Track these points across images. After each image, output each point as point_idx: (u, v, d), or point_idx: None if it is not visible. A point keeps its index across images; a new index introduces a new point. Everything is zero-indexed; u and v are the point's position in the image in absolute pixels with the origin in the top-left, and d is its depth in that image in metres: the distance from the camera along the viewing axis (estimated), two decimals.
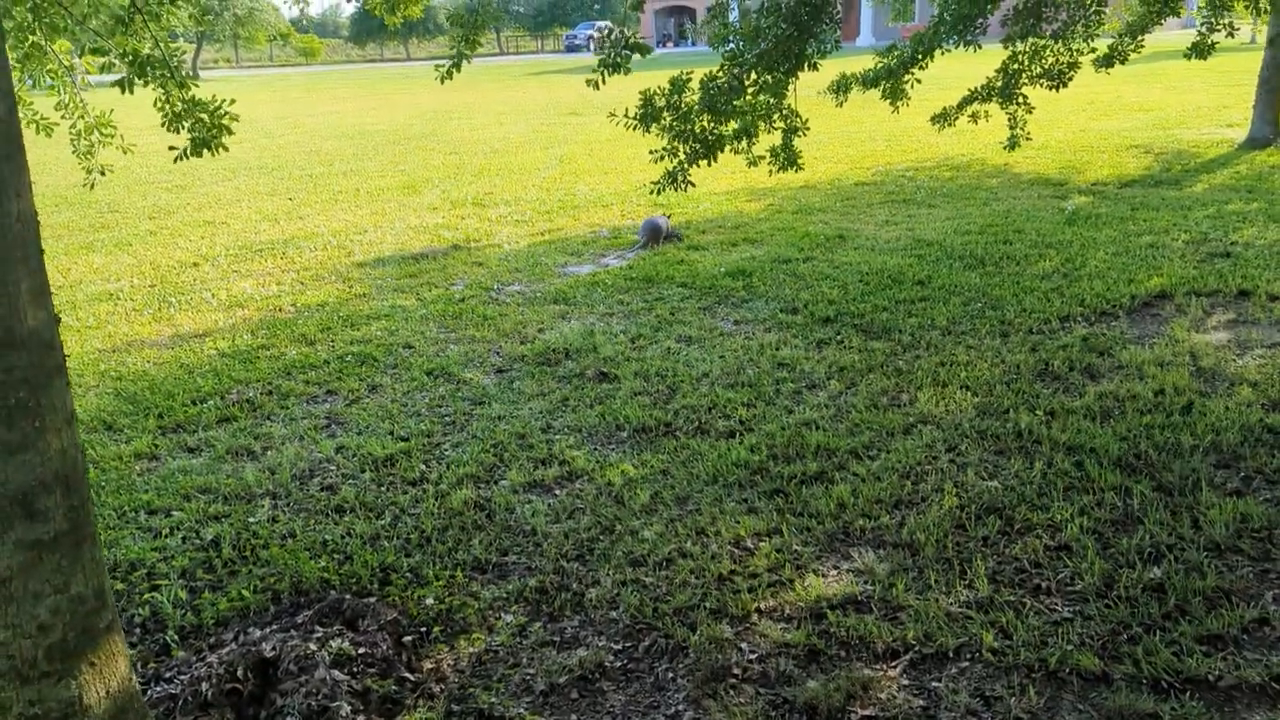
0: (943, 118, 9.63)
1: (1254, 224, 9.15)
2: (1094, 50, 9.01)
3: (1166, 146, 14.28)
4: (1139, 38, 8.77)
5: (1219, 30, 8.75)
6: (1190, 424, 4.92)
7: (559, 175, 14.61)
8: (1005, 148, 9.50)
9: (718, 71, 7.37)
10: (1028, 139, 9.52)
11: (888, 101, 8.76)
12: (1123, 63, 9.21)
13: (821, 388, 5.70)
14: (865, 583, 3.76)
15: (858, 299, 7.35)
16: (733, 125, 7.91)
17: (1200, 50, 8.87)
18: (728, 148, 7.88)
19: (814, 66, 7.55)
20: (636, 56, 6.51)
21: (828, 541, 4.06)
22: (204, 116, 5.56)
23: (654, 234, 9.69)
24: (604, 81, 6.26)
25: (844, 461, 4.73)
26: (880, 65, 8.61)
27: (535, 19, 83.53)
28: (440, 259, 9.36)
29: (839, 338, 6.54)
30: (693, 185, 7.83)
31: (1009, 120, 9.28)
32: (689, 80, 7.52)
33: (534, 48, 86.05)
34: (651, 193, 7.45)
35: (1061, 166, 13.06)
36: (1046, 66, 8.92)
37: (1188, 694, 3.09)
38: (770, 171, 8.03)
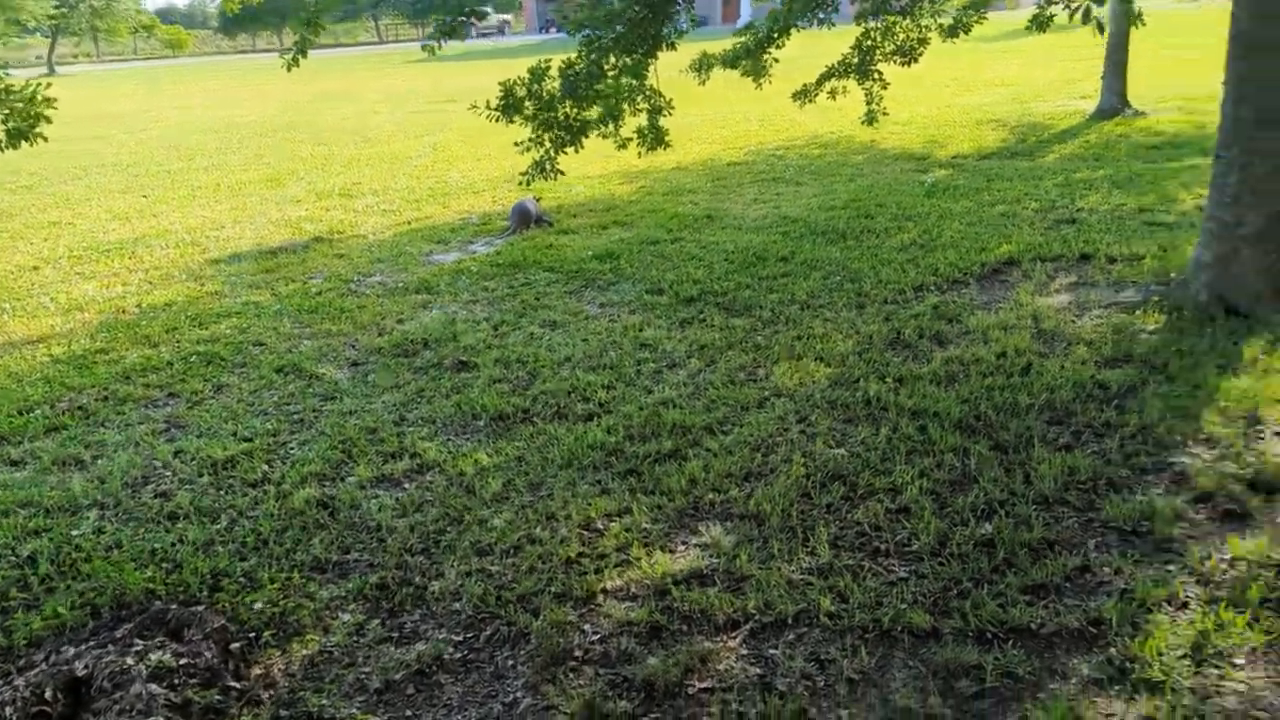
0: (803, 94, 9.78)
1: (1099, 190, 9.56)
2: (941, 26, 9.28)
3: (1022, 120, 14.83)
4: (982, 10, 9.05)
5: (1056, 4, 9.10)
6: (1028, 384, 5.10)
7: (431, 163, 14.33)
8: (864, 123, 9.72)
9: (575, 58, 7.32)
10: (885, 114, 9.76)
11: (751, 79, 8.87)
12: (966, 33, 9.47)
13: (682, 366, 5.71)
14: (711, 556, 3.77)
15: (722, 278, 7.39)
16: (597, 110, 7.90)
17: (1040, 23, 9.21)
18: (594, 132, 7.85)
19: (671, 46, 7.57)
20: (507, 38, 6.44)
21: (677, 518, 4.06)
22: (17, 106, 5.22)
23: (523, 218, 9.59)
24: (440, 47, 6.20)
25: (698, 438, 4.75)
26: (738, 45, 8.70)
27: (415, 6, 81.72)
28: (300, 252, 9.06)
29: (701, 316, 6.57)
30: (562, 174, 7.76)
31: (866, 96, 9.49)
32: (548, 68, 7.45)
33: (414, 35, 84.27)
34: (521, 184, 7.37)
35: (925, 141, 13.43)
36: (899, 43, 9.14)
37: (1010, 643, 3.19)
38: (639, 153, 8.03)
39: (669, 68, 7.89)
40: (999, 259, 7.43)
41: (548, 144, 7.30)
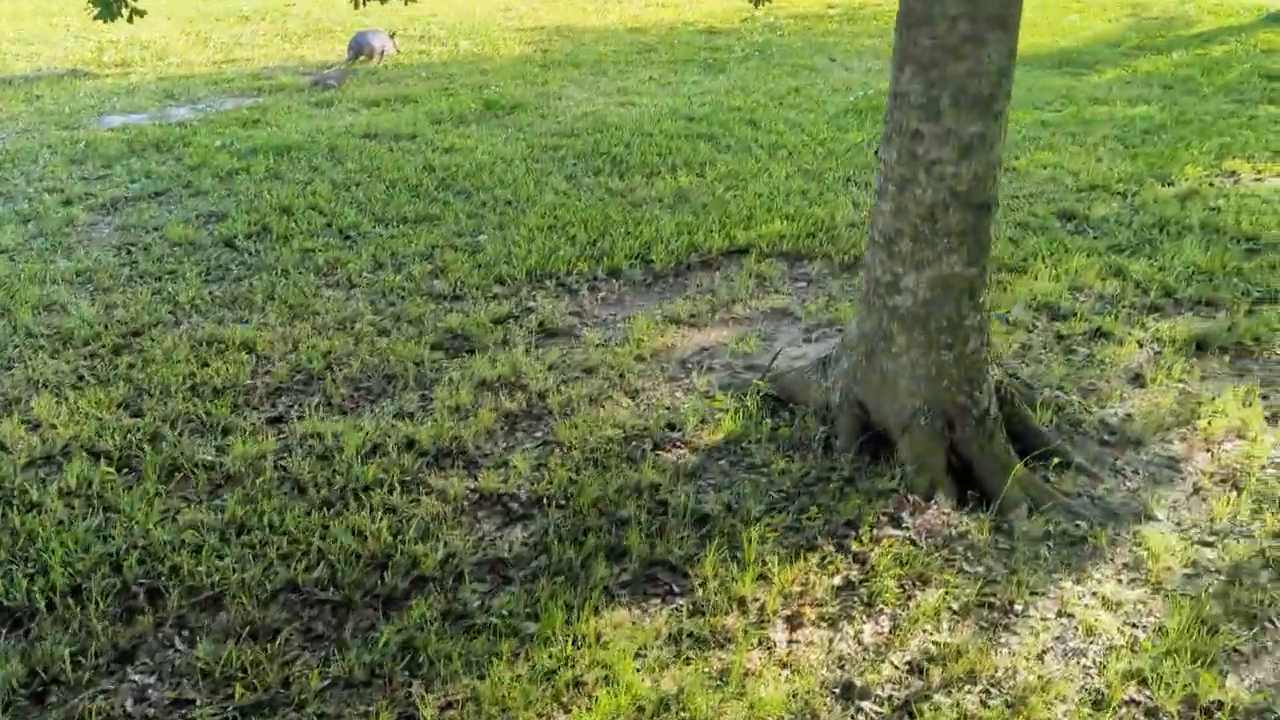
0: None
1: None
2: None
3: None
4: None
5: None
6: (220, 547, 2.29)
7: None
8: None
9: None
10: None
11: None
12: None
13: None
14: None
15: (368, 205, 4.71)
16: None
17: None
18: None
19: None
20: None
21: None
22: None
23: (357, 49, 8.34)
24: None
25: None
26: None
27: None
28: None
29: (184, 274, 4.00)
30: (140, 14, 5.34)
31: None
32: None
33: None
34: (97, 18, 5.07)
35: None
36: None
37: None
38: None
39: None
40: (738, 244, 4.15)
41: None
